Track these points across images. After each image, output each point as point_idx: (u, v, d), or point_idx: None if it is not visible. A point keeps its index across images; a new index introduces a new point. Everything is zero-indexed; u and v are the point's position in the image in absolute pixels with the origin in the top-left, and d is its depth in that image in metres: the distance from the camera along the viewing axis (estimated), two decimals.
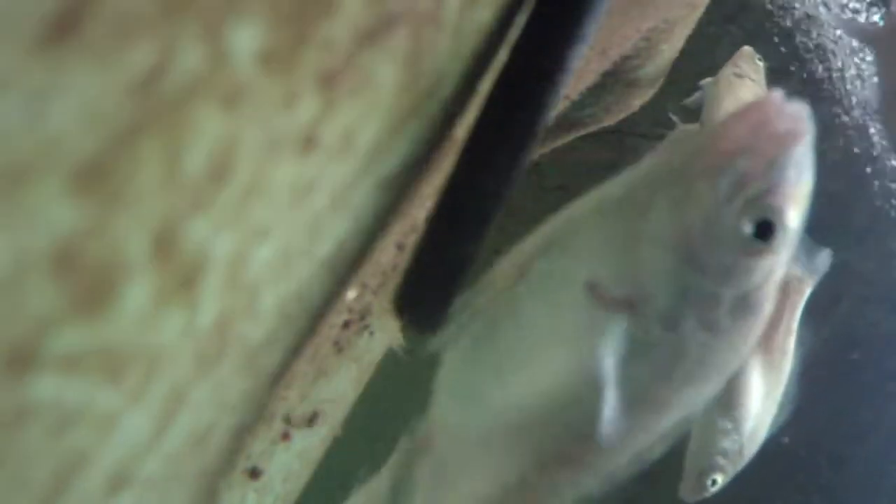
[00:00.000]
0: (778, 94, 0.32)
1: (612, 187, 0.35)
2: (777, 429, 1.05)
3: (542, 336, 0.36)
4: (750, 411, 1.02)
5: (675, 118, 1.22)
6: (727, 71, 1.16)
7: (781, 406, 1.01)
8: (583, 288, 0.34)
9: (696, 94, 1.22)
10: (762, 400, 1.03)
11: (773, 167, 0.31)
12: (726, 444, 1.03)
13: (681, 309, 0.33)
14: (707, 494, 1.05)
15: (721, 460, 1.03)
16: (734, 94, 1.16)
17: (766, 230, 0.32)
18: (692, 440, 1.05)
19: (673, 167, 0.33)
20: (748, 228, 0.32)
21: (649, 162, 0.35)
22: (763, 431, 1.04)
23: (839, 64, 2.11)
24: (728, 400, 1.01)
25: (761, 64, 1.20)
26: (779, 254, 0.32)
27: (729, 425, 1.02)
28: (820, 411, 2.22)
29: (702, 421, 1.03)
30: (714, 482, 1.03)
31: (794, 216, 0.32)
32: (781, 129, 0.32)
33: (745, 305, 0.33)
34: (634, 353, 0.34)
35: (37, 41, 0.15)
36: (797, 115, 0.32)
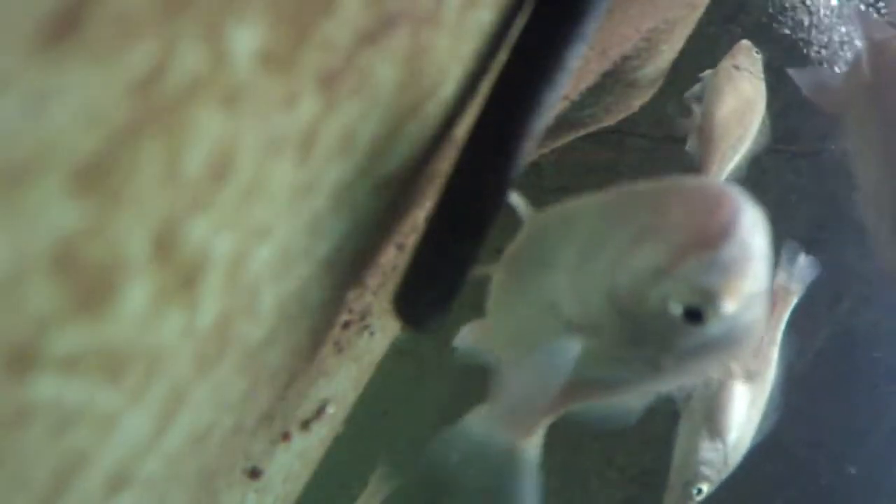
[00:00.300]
0: (734, 191, 0.32)
1: (593, 212, 0.35)
2: (762, 436, 1.06)
3: (521, 326, 0.38)
4: (733, 422, 1.03)
5: (691, 108, 1.24)
6: (726, 63, 1.18)
7: (765, 415, 1.02)
8: (548, 305, 0.35)
9: (696, 86, 1.23)
10: (745, 409, 1.03)
11: (708, 255, 0.30)
12: (710, 454, 1.04)
13: (632, 346, 0.33)
14: None
15: (706, 470, 1.04)
16: (733, 85, 1.18)
17: (695, 316, 0.31)
18: (676, 451, 1.06)
19: (630, 224, 0.32)
20: (676, 310, 0.31)
21: (616, 198, 0.34)
22: (747, 441, 1.05)
23: (839, 65, 2.11)
24: (711, 411, 1.02)
25: (759, 56, 1.23)
26: (718, 332, 0.32)
27: (713, 436, 1.03)
28: (820, 411, 2.22)
29: (685, 432, 1.03)
30: (699, 491, 1.04)
31: (730, 305, 0.30)
32: (722, 217, 0.30)
33: (703, 349, 0.33)
34: (600, 362, 0.34)
35: (37, 41, 0.15)
36: (738, 205, 0.31)
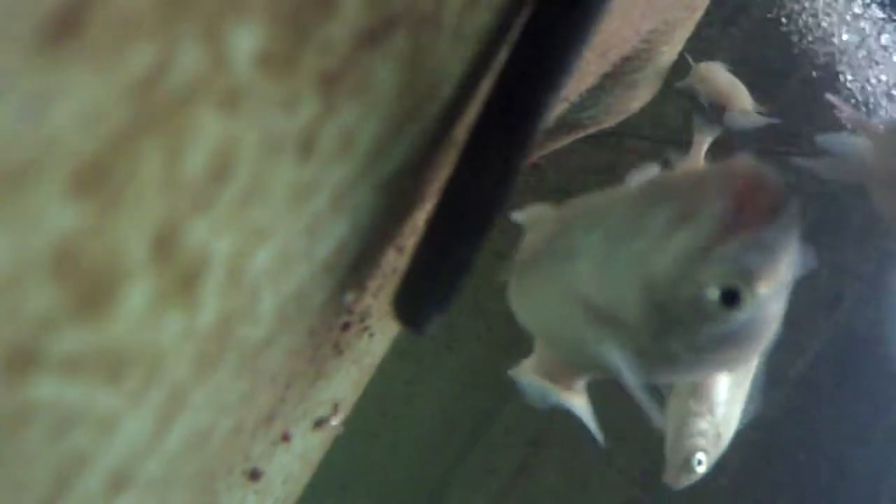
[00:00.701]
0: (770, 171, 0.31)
1: (615, 202, 0.35)
2: (749, 417, 1.07)
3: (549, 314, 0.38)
4: (719, 395, 1.04)
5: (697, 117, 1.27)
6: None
7: (751, 397, 1.03)
8: (577, 298, 0.34)
9: (688, 79, 1.33)
10: (729, 387, 1.05)
11: (754, 239, 0.30)
12: (703, 425, 1.05)
13: (659, 336, 0.33)
14: (694, 477, 1.07)
15: (701, 440, 1.05)
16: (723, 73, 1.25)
17: (732, 298, 0.31)
18: (669, 430, 1.06)
19: (662, 210, 0.32)
20: (713, 294, 0.31)
21: (649, 185, 0.34)
22: (735, 420, 1.06)
23: (839, 66, 2.11)
24: (696, 387, 1.03)
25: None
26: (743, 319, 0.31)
27: (702, 408, 1.03)
28: (820, 412, 2.22)
29: (674, 411, 1.04)
30: (700, 462, 1.05)
31: (767, 287, 0.30)
32: (763, 200, 0.30)
33: (728, 340, 0.32)
34: (631, 351, 0.34)
35: (37, 43, 0.15)
36: (777, 187, 0.31)
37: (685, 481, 1.08)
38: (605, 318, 0.33)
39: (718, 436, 1.06)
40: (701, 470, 1.07)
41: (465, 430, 2.29)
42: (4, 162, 0.15)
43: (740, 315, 0.31)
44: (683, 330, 0.32)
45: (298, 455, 0.55)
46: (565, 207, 0.38)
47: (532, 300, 0.38)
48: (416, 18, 0.26)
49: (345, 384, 0.58)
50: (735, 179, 0.31)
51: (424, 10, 0.26)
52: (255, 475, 0.49)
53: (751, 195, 0.30)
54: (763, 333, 0.33)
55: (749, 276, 0.30)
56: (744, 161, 0.31)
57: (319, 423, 0.56)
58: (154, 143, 0.18)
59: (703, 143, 1.18)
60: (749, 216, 0.30)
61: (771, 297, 0.31)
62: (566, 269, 0.35)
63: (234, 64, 0.19)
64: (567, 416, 0.42)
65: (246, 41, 0.19)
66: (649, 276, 0.32)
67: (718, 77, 1.38)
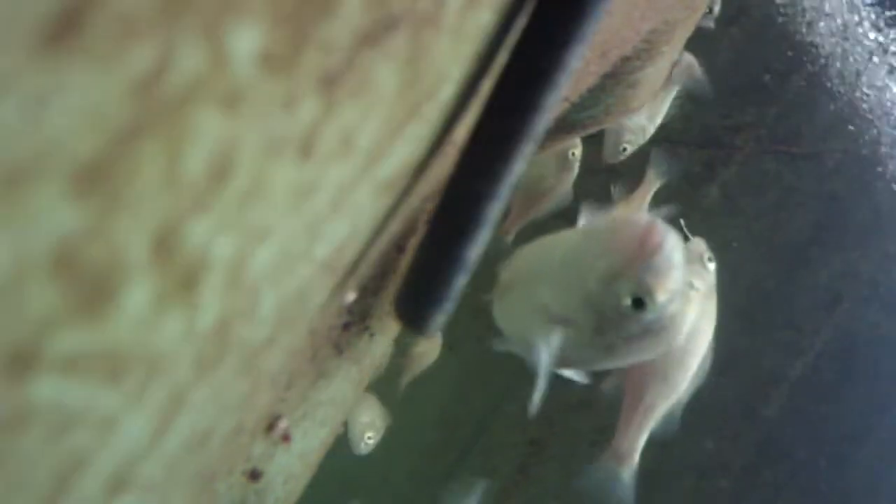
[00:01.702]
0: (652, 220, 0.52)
1: (567, 243, 0.57)
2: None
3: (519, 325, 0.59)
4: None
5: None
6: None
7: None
8: (540, 306, 0.54)
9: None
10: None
11: (646, 264, 0.50)
12: (633, 122, 1.40)
13: (600, 332, 0.53)
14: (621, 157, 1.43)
15: (629, 135, 1.43)
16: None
17: (639, 304, 0.51)
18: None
19: (595, 248, 0.53)
20: (627, 301, 0.51)
21: (587, 234, 0.57)
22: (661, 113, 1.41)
23: (839, 66, 2.12)
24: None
25: (712, 266, 1.07)
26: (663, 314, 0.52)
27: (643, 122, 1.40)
28: (820, 412, 2.22)
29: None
30: (624, 149, 1.44)
31: (661, 296, 0.51)
32: (654, 241, 0.50)
33: (646, 331, 0.53)
34: (577, 343, 0.54)
35: (37, 43, 0.15)
36: (665, 233, 0.51)
37: (616, 159, 1.44)
38: (560, 320, 0.53)
39: (645, 131, 1.42)
40: (624, 154, 1.45)
41: (465, 431, 2.29)
42: (4, 162, 0.15)
43: (648, 314, 0.51)
44: (614, 326, 0.52)
45: (298, 455, 0.55)
46: (530, 246, 0.59)
47: (509, 312, 0.59)
48: (416, 18, 0.26)
49: (345, 384, 0.58)
50: (634, 228, 0.51)
51: (424, 10, 0.26)
52: (255, 475, 0.49)
53: (646, 238, 0.50)
54: (670, 325, 0.52)
55: (648, 289, 0.50)
56: (639, 216, 0.52)
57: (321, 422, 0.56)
58: (154, 143, 0.18)
59: (653, 185, 1.34)
60: (644, 252, 0.50)
61: (668, 300, 0.51)
62: (533, 289, 0.54)
63: (234, 64, 0.19)
64: (567, 416, 0.43)
65: (246, 41, 0.19)
66: (589, 292, 0.52)
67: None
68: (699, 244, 1.17)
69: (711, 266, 1.11)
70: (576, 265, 0.52)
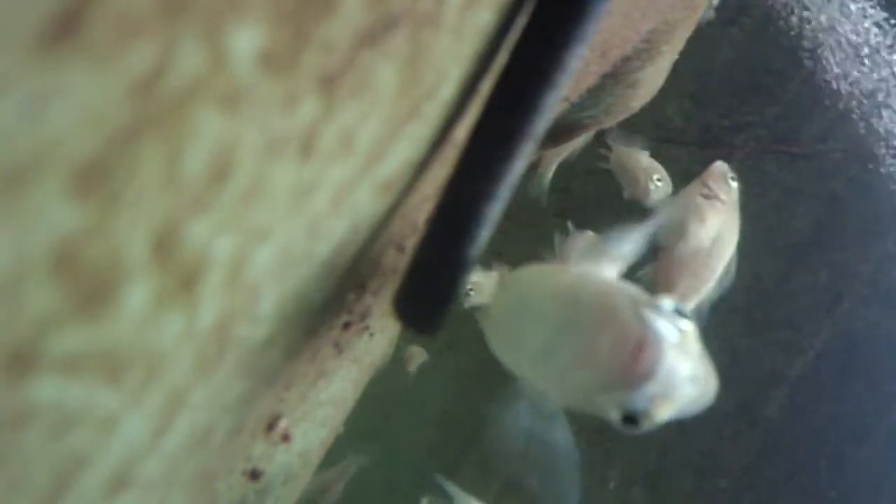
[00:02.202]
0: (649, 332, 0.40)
1: (553, 310, 0.44)
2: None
3: None
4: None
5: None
6: (693, 190, 1.12)
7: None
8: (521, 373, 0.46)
9: (654, 218, 1.26)
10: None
11: (639, 387, 0.39)
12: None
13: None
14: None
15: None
16: (701, 217, 1.09)
17: (631, 420, 0.41)
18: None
19: (577, 344, 0.42)
20: (616, 415, 0.41)
21: (573, 310, 0.43)
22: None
23: (839, 66, 2.12)
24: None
25: (735, 185, 1.15)
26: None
27: None
28: (820, 412, 2.22)
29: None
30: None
31: (662, 413, 0.40)
32: (647, 362, 0.39)
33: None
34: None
35: (38, 43, 0.15)
36: (658, 348, 0.39)
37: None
38: (539, 397, 0.45)
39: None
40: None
41: (465, 430, 2.28)
42: (5, 162, 0.15)
43: (641, 428, 0.41)
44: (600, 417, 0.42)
45: (298, 455, 0.55)
46: (508, 277, 0.48)
47: (496, 349, 0.48)
48: (416, 18, 0.26)
49: (345, 383, 0.58)
50: (621, 338, 0.40)
51: (424, 10, 0.26)
52: (255, 475, 0.49)
53: (636, 360, 0.39)
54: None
55: (645, 413, 0.40)
56: (633, 328, 0.40)
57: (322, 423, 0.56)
58: (154, 143, 0.18)
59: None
60: (632, 376, 0.39)
61: (669, 413, 0.41)
62: (514, 352, 0.45)
63: (234, 64, 0.19)
64: (566, 414, 0.44)
65: (246, 41, 0.19)
66: (567, 393, 0.43)
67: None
68: (721, 166, 1.17)
69: (734, 184, 1.15)
70: (557, 357, 0.42)
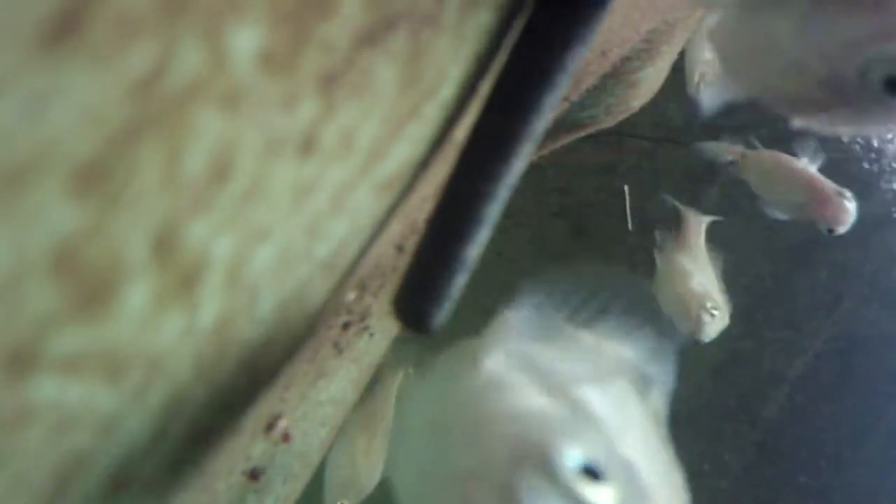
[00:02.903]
0: None
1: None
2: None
3: None
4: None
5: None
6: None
7: None
8: None
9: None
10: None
11: None
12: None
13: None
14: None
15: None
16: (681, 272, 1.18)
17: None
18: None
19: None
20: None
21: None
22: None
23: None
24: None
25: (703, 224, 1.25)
26: None
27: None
28: (820, 412, 2.22)
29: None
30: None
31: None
32: None
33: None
34: None
35: (37, 42, 0.15)
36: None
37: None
38: None
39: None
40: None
41: None
42: (4, 162, 0.15)
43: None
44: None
45: (298, 455, 0.55)
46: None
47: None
48: (416, 18, 0.26)
49: (344, 384, 0.58)
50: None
51: (424, 10, 0.26)
52: (254, 475, 0.49)
53: None
54: None
55: None
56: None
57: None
58: (154, 143, 0.18)
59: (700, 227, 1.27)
60: None
61: None
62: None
63: (234, 64, 0.19)
64: None
65: (246, 41, 0.19)
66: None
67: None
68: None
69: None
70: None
